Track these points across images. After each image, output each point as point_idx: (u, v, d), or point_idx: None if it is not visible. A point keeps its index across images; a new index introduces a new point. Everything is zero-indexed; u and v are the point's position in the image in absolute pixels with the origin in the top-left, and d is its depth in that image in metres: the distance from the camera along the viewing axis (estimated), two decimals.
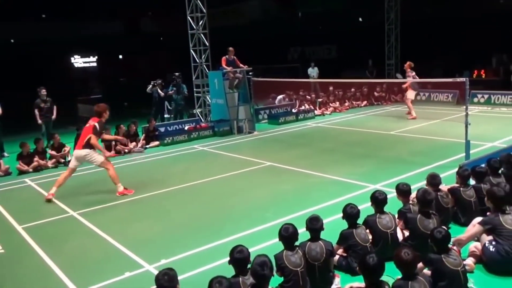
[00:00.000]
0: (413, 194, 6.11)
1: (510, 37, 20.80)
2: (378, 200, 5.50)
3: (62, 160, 11.77)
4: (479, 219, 5.37)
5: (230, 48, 14.64)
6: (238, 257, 4.19)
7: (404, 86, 16.07)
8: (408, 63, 15.48)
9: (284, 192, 8.45)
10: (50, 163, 11.54)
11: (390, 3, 22.61)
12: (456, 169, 6.82)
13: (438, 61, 23.05)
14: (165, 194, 8.77)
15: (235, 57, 14.72)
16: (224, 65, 14.54)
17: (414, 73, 15.39)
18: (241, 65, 14.79)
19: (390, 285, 4.04)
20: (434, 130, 13.39)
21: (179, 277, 3.82)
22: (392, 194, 6.31)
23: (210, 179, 9.58)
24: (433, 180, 6.22)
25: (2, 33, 29.71)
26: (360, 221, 5.37)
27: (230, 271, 4.23)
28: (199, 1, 15.75)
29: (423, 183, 6.50)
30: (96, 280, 5.40)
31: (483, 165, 6.86)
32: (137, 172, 10.59)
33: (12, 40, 32.61)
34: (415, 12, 24.28)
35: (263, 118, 17.34)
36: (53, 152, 11.73)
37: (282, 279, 4.52)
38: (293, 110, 17.71)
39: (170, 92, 16.16)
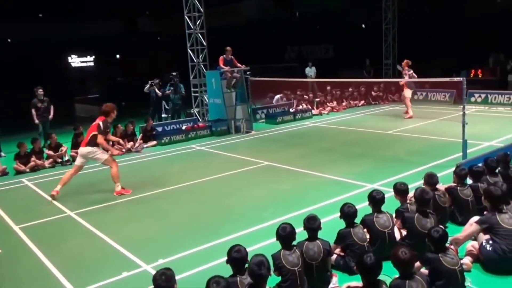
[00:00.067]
0: (411, 194, 6.13)
1: (507, 37, 20.86)
2: (376, 199, 5.51)
3: (59, 160, 11.75)
4: (476, 218, 5.38)
5: (228, 48, 14.63)
6: (236, 256, 4.18)
7: (401, 83, 16.08)
8: (405, 61, 15.54)
9: (281, 191, 8.45)
10: (47, 163, 11.52)
11: (387, 2, 22.64)
12: (453, 169, 6.83)
13: (435, 60, 23.09)
14: (163, 194, 8.76)
15: (232, 57, 14.71)
16: (221, 65, 14.53)
17: (411, 72, 15.43)
18: (238, 64, 14.78)
19: (388, 284, 4.04)
20: (431, 129, 13.41)
21: (177, 277, 3.81)
22: (389, 194, 6.32)
23: (207, 178, 9.57)
24: (431, 179, 6.24)
25: None
26: (357, 220, 5.38)
27: (227, 271, 4.22)
28: (196, 1, 15.74)
29: (420, 183, 6.52)
30: (93, 280, 5.39)
31: (480, 165, 6.87)
32: (135, 172, 10.57)
33: (9, 40, 32.53)
34: (413, 12, 24.32)
35: (261, 118, 17.34)
36: (50, 152, 11.70)
37: (279, 278, 4.53)
38: (291, 110, 17.71)
39: (168, 91, 16.15)
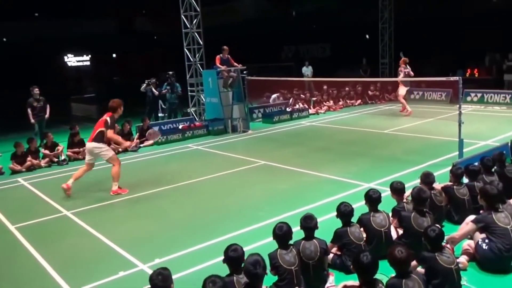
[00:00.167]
0: (407, 193, 6.14)
1: (503, 36, 20.93)
2: (372, 198, 5.52)
3: (56, 160, 11.71)
4: (472, 217, 5.39)
5: (225, 47, 14.62)
6: (232, 255, 4.18)
7: (399, 80, 16.15)
8: (403, 58, 15.61)
9: (278, 191, 8.46)
10: (43, 163, 11.48)
11: (384, 2, 22.69)
12: (450, 168, 6.86)
13: (431, 60, 23.14)
14: (159, 194, 8.74)
15: (229, 56, 14.71)
16: (218, 64, 14.52)
17: (408, 69, 15.51)
18: (235, 64, 14.77)
19: (384, 283, 4.05)
20: (427, 128, 13.44)
21: (174, 276, 3.81)
22: (386, 193, 6.33)
23: (204, 178, 9.56)
24: (427, 178, 6.25)
25: None
26: (354, 219, 5.39)
27: (224, 270, 4.22)
28: (193, 0, 15.71)
29: (417, 182, 6.53)
30: (90, 279, 5.38)
31: (476, 164, 6.89)
32: (131, 171, 10.54)
33: (4, 39, 32.43)
34: (409, 11, 24.37)
35: (257, 117, 17.34)
36: (47, 151, 11.66)
37: (276, 277, 4.53)
38: (287, 109, 17.70)
39: (164, 91, 16.12)
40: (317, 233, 4.94)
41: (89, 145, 8.76)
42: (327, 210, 6.65)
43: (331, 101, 18.92)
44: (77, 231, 7.08)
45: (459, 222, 5.83)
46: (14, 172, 10.94)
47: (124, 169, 9.00)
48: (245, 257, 4.13)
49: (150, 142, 13.48)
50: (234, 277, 4.10)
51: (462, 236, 5.33)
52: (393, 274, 4.13)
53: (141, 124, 13.89)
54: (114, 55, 40.09)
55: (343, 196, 7.57)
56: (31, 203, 8.68)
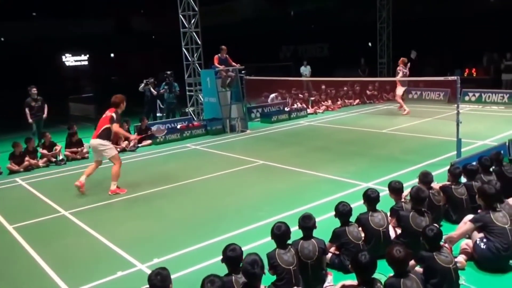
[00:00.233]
0: (405, 192, 6.15)
1: (501, 36, 20.98)
2: (371, 198, 5.52)
3: (54, 160, 11.69)
4: (470, 216, 5.40)
5: (223, 47, 14.61)
6: (231, 255, 4.18)
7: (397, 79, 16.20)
8: (401, 59, 15.67)
9: (276, 190, 8.46)
10: (41, 162, 11.46)
11: (382, 2, 22.68)
12: (448, 167, 6.87)
13: (429, 59, 23.17)
14: (158, 193, 8.73)
15: (227, 56, 14.70)
16: (216, 64, 14.51)
17: (406, 70, 15.57)
18: (233, 63, 14.76)
19: (383, 282, 4.05)
20: (426, 128, 13.45)
21: (172, 276, 3.80)
22: (384, 192, 6.34)
23: (202, 178, 9.56)
24: (425, 178, 6.25)
25: None
26: (352, 219, 5.39)
27: (223, 270, 4.22)
28: (191, 0, 15.71)
29: (415, 181, 6.53)
30: (88, 279, 5.37)
31: (474, 163, 6.90)
32: (130, 171, 10.52)
33: (2, 39, 32.37)
34: (407, 11, 24.40)
35: (256, 117, 17.33)
36: (45, 151, 11.64)
37: (274, 277, 4.53)
38: (286, 109, 17.71)
39: (162, 90, 16.11)
40: (315, 233, 4.95)
41: (94, 141, 8.75)
42: (325, 210, 6.66)
43: (329, 101, 18.93)
44: (75, 231, 7.07)
45: (457, 221, 5.84)
46: (12, 172, 10.92)
47: (122, 169, 8.98)
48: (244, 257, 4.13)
49: (148, 142, 13.48)
50: (233, 277, 4.11)
51: (460, 236, 5.34)
52: (392, 274, 4.13)
53: (139, 123, 13.87)
54: (112, 55, 40.05)
55: (342, 195, 7.58)
56: (29, 203, 8.66)
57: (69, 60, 38.48)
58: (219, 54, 14.56)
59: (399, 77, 15.75)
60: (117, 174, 8.77)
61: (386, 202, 6.04)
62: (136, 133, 13.38)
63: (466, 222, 5.33)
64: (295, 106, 18.02)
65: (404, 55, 16.25)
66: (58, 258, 6.11)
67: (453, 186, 6.33)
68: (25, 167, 11.07)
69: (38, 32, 31.57)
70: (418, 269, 4.53)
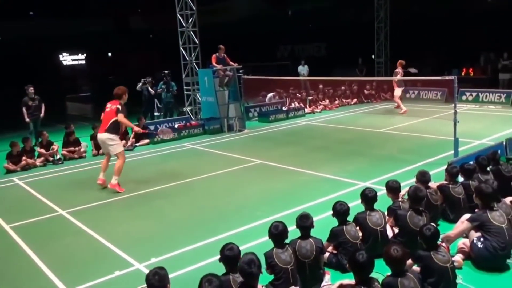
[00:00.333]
0: (403, 191, 6.16)
1: (498, 36, 21.03)
2: (368, 197, 5.53)
3: (51, 159, 11.66)
4: (467, 216, 5.41)
5: (221, 46, 14.59)
6: (228, 254, 4.18)
7: (395, 80, 16.25)
8: (399, 61, 15.75)
9: (274, 190, 8.46)
10: (38, 162, 11.42)
11: (379, 1, 22.71)
12: (445, 167, 6.88)
13: (427, 59, 23.22)
14: (155, 193, 8.72)
15: (225, 55, 14.69)
16: (214, 63, 14.50)
17: (402, 72, 15.66)
18: (231, 63, 14.75)
19: (380, 282, 4.06)
20: (423, 127, 13.48)
21: (170, 276, 3.79)
22: (382, 192, 6.35)
23: (200, 177, 9.55)
24: (423, 177, 6.26)
25: None
26: (350, 218, 5.40)
27: (221, 269, 4.22)
28: None
29: (412, 181, 6.54)
30: (85, 279, 5.36)
31: (471, 162, 6.92)
32: (127, 171, 10.44)
33: None
34: (405, 10, 24.43)
35: (254, 116, 17.33)
36: (42, 150, 11.60)
37: (272, 276, 4.53)
38: (283, 108, 17.71)
39: (159, 90, 16.09)
40: (313, 232, 4.95)
41: (102, 136, 8.74)
42: (323, 209, 6.66)
43: (327, 100, 18.95)
44: (73, 230, 7.05)
45: (454, 220, 5.85)
46: (9, 171, 10.89)
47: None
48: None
49: (146, 141, 13.46)
50: (231, 276, 4.10)
51: (458, 235, 5.35)
52: (389, 273, 4.14)
53: (137, 123, 13.82)
54: (109, 54, 39.98)
55: (339, 195, 7.58)
56: (26, 202, 8.63)
57: (66, 59, 38.41)
58: (217, 54, 14.55)
59: (395, 78, 15.80)
60: (120, 169, 8.79)
61: (383, 201, 6.05)
62: (133, 133, 13.40)
63: (463, 221, 5.35)
64: (293, 105, 18.02)
65: (402, 55, 16.30)
66: (55, 257, 6.09)
67: (450, 185, 6.34)
68: (22, 166, 11.04)
69: (35, 31, 31.49)
70: (416, 268, 4.54)
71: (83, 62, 39.07)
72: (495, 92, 18.01)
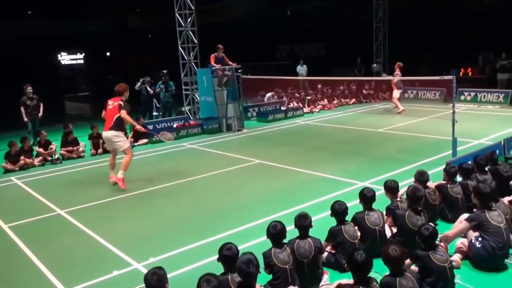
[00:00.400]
0: (401, 191, 6.16)
1: (496, 36, 21.06)
2: (367, 197, 5.53)
3: (49, 158, 11.64)
4: (465, 215, 5.42)
5: (219, 46, 14.58)
6: (227, 254, 4.18)
7: (394, 81, 16.27)
8: (397, 63, 15.78)
9: (273, 189, 8.46)
10: (36, 161, 11.41)
11: (378, 1, 22.72)
12: (443, 166, 6.88)
13: (425, 59, 23.25)
14: (154, 192, 8.71)
15: (224, 55, 14.68)
16: (212, 63, 14.50)
17: (400, 74, 15.71)
18: (230, 62, 14.75)
19: (378, 281, 4.06)
20: (421, 127, 13.49)
21: (168, 275, 3.79)
22: (380, 191, 6.35)
23: (198, 177, 9.54)
24: (421, 177, 6.27)
25: None
26: (348, 218, 5.40)
27: (219, 269, 4.22)
28: None
29: (411, 180, 6.55)
30: (84, 279, 5.35)
31: (469, 162, 6.93)
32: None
33: None
34: (403, 10, 24.45)
35: (252, 116, 17.32)
36: (41, 150, 11.59)
37: (270, 276, 4.53)
38: (282, 108, 17.70)
39: (158, 89, 16.08)
40: (311, 232, 4.95)
41: (108, 133, 8.76)
42: (321, 209, 6.66)
43: (326, 100, 18.96)
44: (71, 230, 7.04)
45: (452, 220, 5.86)
46: (7, 171, 10.87)
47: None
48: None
49: (145, 141, 13.45)
50: (229, 276, 4.10)
51: (456, 235, 5.36)
52: (387, 273, 4.14)
53: (136, 122, 13.80)
54: (108, 54, 39.95)
55: (338, 194, 7.58)
56: (24, 202, 8.62)
57: (65, 58, 38.38)
58: (216, 53, 14.54)
59: (393, 79, 15.85)
60: (127, 165, 8.84)
61: (382, 201, 6.05)
62: (132, 132, 13.40)
63: (462, 221, 5.35)
64: (292, 105, 18.02)
65: (401, 55, 16.33)
66: (53, 257, 6.09)
67: (448, 185, 6.35)
68: (20, 166, 11.02)
69: (34, 30, 31.45)
70: (414, 268, 4.54)
71: (82, 61, 39.06)
72: (493, 92, 18.03)
